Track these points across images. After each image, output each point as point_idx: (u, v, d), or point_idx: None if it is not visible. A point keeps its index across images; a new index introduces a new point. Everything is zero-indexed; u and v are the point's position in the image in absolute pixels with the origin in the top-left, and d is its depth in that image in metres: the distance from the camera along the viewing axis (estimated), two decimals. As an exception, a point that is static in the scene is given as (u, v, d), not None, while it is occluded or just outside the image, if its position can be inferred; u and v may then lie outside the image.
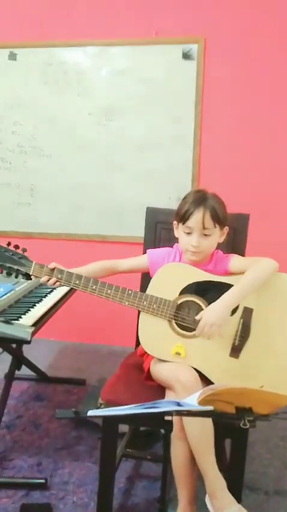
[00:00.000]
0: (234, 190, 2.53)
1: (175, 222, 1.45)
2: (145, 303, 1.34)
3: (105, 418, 1.34)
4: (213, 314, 1.29)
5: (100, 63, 2.63)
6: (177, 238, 1.45)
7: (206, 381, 1.31)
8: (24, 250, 1.39)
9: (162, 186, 2.63)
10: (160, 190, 2.63)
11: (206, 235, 1.37)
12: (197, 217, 1.35)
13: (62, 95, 2.69)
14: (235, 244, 1.58)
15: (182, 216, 1.38)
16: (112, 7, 2.57)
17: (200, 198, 1.38)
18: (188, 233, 1.38)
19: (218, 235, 1.41)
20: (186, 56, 2.53)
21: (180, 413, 0.97)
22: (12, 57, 2.71)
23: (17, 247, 1.38)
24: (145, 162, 2.66)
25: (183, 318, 1.36)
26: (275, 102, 2.51)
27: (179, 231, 1.42)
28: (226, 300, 1.30)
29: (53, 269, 1.36)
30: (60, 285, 1.38)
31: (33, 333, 1.46)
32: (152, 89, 2.59)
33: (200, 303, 1.35)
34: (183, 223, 1.38)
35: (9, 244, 1.38)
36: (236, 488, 1.26)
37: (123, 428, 1.74)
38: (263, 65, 2.49)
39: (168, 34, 2.52)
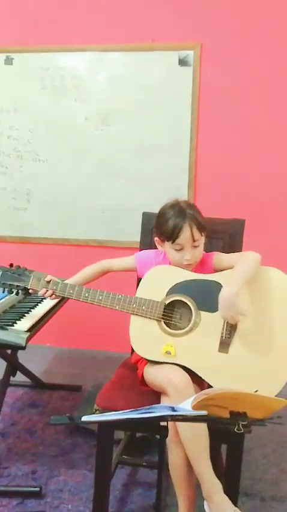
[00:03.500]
0: (230, 195, 2.55)
1: (156, 239, 1.47)
2: (134, 305, 1.38)
3: (101, 425, 1.33)
4: (228, 305, 1.30)
5: (97, 68, 2.64)
6: None
7: (198, 382, 1.31)
8: (25, 269, 1.50)
9: (158, 191, 2.63)
10: (156, 195, 2.61)
11: (195, 246, 1.40)
12: (186, 234, 1.37)
13: (58, 100, 2.69)
14: (231, 249, 1.58)
15: (170, 235, 1.39)
16: (109, 13, 2.59)
17: (179, 212, 1.39)
18: (178, 249, 1.40)
19: (203, 241, 1.44)
20: (182, 62, 2.54)
21: (175, 418, 0.96)
22: (9, 61, 2.72)
23: (18, 267, 1.50)
24: (141, 167, 2.66)
25: (171, 317, 1.39)
26: (271, 108, 2.53)
27: (166, 247, 1.44)
28: (228, 295, 1.30)
29: (49, 281, 1.46)
30: (56, 297, 1.47)
31: (28, 339, 1.45)
32: (149, 95, 2.60)
33: (187, 302, 1.38)
34: (172, 242, 1.40)
35: (11, 265, 1.50)
36: (232, 494, 1.25)
37: (119, 434, 1.73)
38: (260, 71, 2.51)
39: (165, 40, 2.54)
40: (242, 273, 1.34)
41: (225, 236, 1.52)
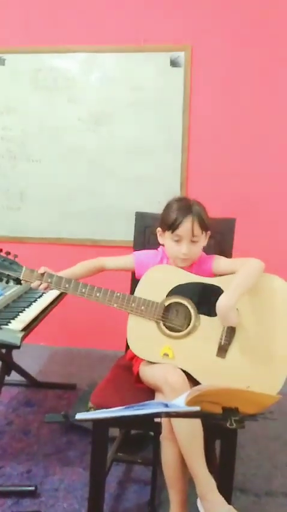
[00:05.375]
0: (221, 195, 2.57)
1: (159, 229, 1.47)
2: (133, 304, 1.36)
3: (95, 423, 1.34)
4: (224, 314, 1.30)
5: (89, 69, 2.65)
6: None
7: (194, 382, 1.32)
8: (16, 256, 1.41)
9: (151, 191, 2.65)
10: (149, 195, 2.65)
11: (194, 241, 1.40)
12: (187, 226, 1.38)
13: (51, 101, 2.69)
14: (222, 248, 1.60)
15: (171, 225, 1.39)
16: (101, 14, 2.60)
17: (186, 206, 1.41)
18: (177, 241, 1.40)
19: (204, 240, 1.44)
20: (174, 63, 2.56)
21: (168, 414, 0.98)
22: (1, 62, 2.71)
23: (8, 253, 1.40)
24: (133, 167, 2.68)
25: (170, 319, 1.38)
26: (261, 108, 2.55)
27: (165, 238, 1.44)
28: (225, 304, 1.29)
29: (43, 273, 1.38)
30: (51, 289, 1.40)
31: (22, 338, 1.46)
32: (141, 96, 2.61)
33: (187, 304, 1.37)
34: (172, 232, 1.40)
35: (0, 250, 1.40)
36: (226, 490, 1.26)
37: (114, 432, 1.74)
38: (250, 72, 2.54)
39: (156, 41, 2.55)
40: (241, 282, 1.32)
41: (216, 235, 1.54)
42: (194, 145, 2.61)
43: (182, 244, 1.39)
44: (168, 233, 1.42)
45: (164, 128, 2.62)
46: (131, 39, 2.57)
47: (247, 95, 2.55)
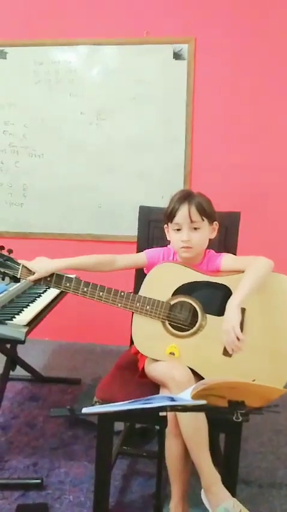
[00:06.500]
0: (225, 188, 2.56)
1: (165, 226, 1.46)
2: (137, 304, 1.34)
3: (100, 416, 1.35)
4: (230, 327, 1.26)
5: (91, 62, 2.63)
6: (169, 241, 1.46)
7: (200, 378, 1.31)
8: (10, 251, 1.35)
9: (154, 185, 2.64)
10: (153, 189, 2.64)
11: (195, 228, 1.38)
12: (183, 212, 1.36)
13: (53, 94, 2.68)
14: (227, 242, 1.59)
15: (169, 215, 1.39)
16: (103, 7, 2.57)
17: (184, 195, 1.40)
18: (178, 230, 1.39)
19: (207, 230, 1.41)
20: (177, 55, 2.54)
21: (174, 408, 0.98)
22: (2, 55, 2.70)
23: (2, 247, 1.35)
24: (136, 161, 2.66)
25: (176, 319, 1.36)
26: (266, 100, 2.53)
27: (169, 232, 1.44)
28: (233, 309, 1.27)
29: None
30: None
31: (27, 333, 1.46)
32: (144, 89, 2.59)
33: (193, 304, 1.36)
34: (171, 222, 1.39)
35: None
36: (231, 482, 1.27)
37: (119, 426, 1.75)
38: (254, 63, 2.51)
39: (159, 34, 2.53)
40: (248, 283, 1.29)
41: (221, 229, 1.53)
42: (198, 139, 2.60)
43: (182, 231, 1.38)
44: (170, 225, 1.41)
45: (167, 121, 2.60)
46: (134, 31, 2.55)
47: (252, 87, 2.52)
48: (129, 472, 1.71)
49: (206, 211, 1.39)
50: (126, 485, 1.63)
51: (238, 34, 2.50)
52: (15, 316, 1.55)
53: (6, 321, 1.49)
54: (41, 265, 1.33)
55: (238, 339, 1.24)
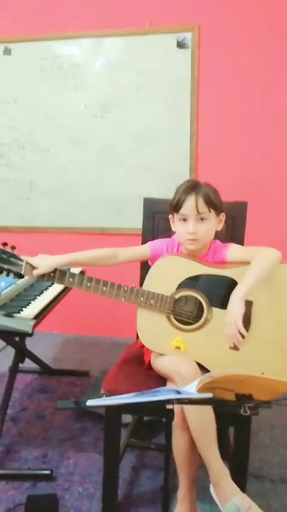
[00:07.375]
0: (231, 179, 2.53)
1: (170, 216, 1.44)
2: (141, 298, 1.32)
3: (108, 409, 1.35)
4: (232, 320, 1.25)
5: (94, 55, 2.60)
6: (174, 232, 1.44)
7: (206, 372, 1.30)
8: (13, 247, 1.35)
9: (160, 177, 2.62)
10: (158, 181, 2.62)
11: (202, 219, 1.35)
12: (190, 203, 1.34)
13: (57, 89, 2.67)
14: (233, 232, 1.57)
15: (175, 205, 1.37)
16: (105, -2, 2.54)
17: (191, 185, 1.37)
18: (184, 220, 1.37)
19: (214, 221, 1.39)
20: (180, 44, 2.50)
21: (181, 401, 0.97)
22: (7, 52, 2.69)
23: (5, 244, 1.35)
24: (142, 152, 2.64)
25: (181, 312, 1.35)
26: (271, 89, 2.48)
27: (175, 222, 1.41)
28: (236, 301, 1.25)
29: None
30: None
31: (34, 326, 1.47)
32: (148, 79, 2.56)
33: (198, 297, 1.34)
34: (177, 212, 1.37)
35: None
36: (241, 477, 1.26)
37: (128, 418, 1.76)
38: (260, 52, 2.46)
39: (162, 23, 2.49)
40: (253, 274, 1.26)
41: (228, 219, 1.50)
42: (203, 129, 2.56)
43: (188, 223, 1.35)
44: (176, 216, 1.39)
45: (173, 112, 2.57)
46: (136, 21, 2.51)
47: (257, 75, 2.48)
48: (137, 464, 1.71)
49: (214, 203, 1.36)
50: (134, 478, 1.64)
51: (242, 20, 2.44)
52: (23, 309, 1.56)
53: (14, 314, 1.50)
54: (44, 262, 1.33)
55: (240, 333, 1.23)
